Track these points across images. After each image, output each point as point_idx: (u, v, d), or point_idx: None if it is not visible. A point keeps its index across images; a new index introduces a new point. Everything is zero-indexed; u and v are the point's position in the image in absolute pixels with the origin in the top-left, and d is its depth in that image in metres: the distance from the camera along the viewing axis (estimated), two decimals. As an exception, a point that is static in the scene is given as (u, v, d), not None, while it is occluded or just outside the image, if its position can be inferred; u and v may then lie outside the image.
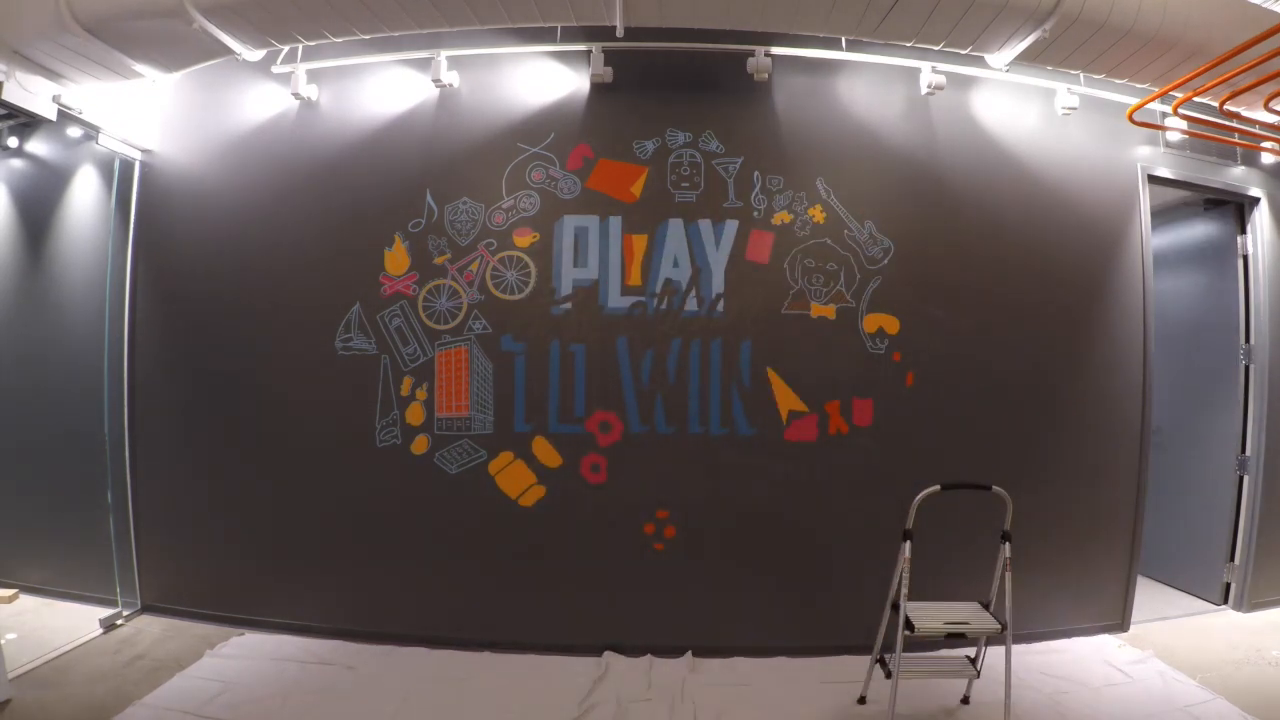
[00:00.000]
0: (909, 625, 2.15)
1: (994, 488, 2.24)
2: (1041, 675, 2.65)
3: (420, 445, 2.87)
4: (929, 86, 2.84)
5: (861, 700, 2.44)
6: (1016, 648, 2.87)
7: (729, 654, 2.76)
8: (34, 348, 3.21)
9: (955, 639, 2.24)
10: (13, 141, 3.27)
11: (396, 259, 2.90)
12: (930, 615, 2.24)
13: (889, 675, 2.25)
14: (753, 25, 2.43)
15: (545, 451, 2.84)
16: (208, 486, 3.00)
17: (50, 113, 2.66)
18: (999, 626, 2.19)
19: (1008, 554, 2.25)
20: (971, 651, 2.45)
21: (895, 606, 2.25)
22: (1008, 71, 2.75)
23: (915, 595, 2.24)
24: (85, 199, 3.17)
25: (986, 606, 2.32)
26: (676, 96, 2.90)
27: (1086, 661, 2.78)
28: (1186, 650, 2.89)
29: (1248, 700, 2.44)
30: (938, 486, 2.16)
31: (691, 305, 2.85)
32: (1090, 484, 3.03)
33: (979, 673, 2.33)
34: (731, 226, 2.87)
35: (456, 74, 2.90)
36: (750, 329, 2.84)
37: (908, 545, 2.20)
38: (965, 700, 2.46)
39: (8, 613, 2.99)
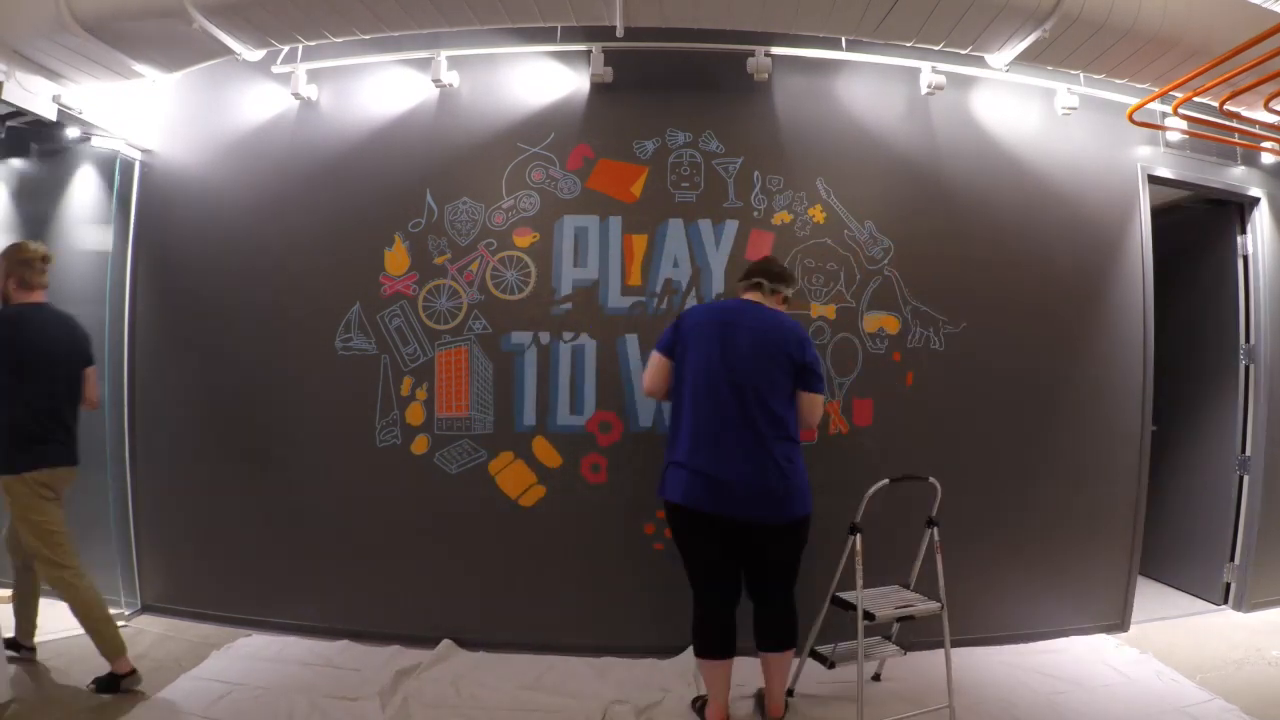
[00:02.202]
0: (869, 615, 2.19)
1: (929, 479, 2.32)
2: (1038, 675, 2.65)
3: (420, 445, 2.87)
4: (929, 86, 2.84)
5: (789, 693, 2.44)
6: (1015, 648, 2.89)
7: (728, 654, 2.76)
8: (34, 348, 3.21)
9: (904, 621, 2.35)
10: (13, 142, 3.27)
11: (396, 259, 2.90)
12: (873, 603, 2.28)
13: (831, 666, 2.29)
14: (753, 25, 2.43)
15: (545, 451, 2.84)
16: (208, 486, 2.99)
17: (50, 113, 2.66)
18: (939, 605, 2.27)
19: (937, 538, 2.32)
20: (886, 632, 2.50)
21: (834, 599, 2.32)
22: (1008, 71, 2.74)
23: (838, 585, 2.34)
24: (85, 199, 3.17)
25: (906, 587, 2.42)
26: (676, 96, 2.90)
27: (1084, 662, 2.78)
28: (1186, 650, 2.89)
29: (1247, 700, 2.44)
30: (886, 480, 2.21)
31: (692, 305, 2.85)
32: (1090, 484, 3.03)
33: (904, 650, 2.42)
34: (731, 226, 2.87)
35: (456, 74, 2.90)
36: (750, 329, 2.84)
37: (858, 538, 2.22)
38: (876, 678, 2.59)
39: (8, 613, 2.99)
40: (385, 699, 2.36)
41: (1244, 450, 3.36)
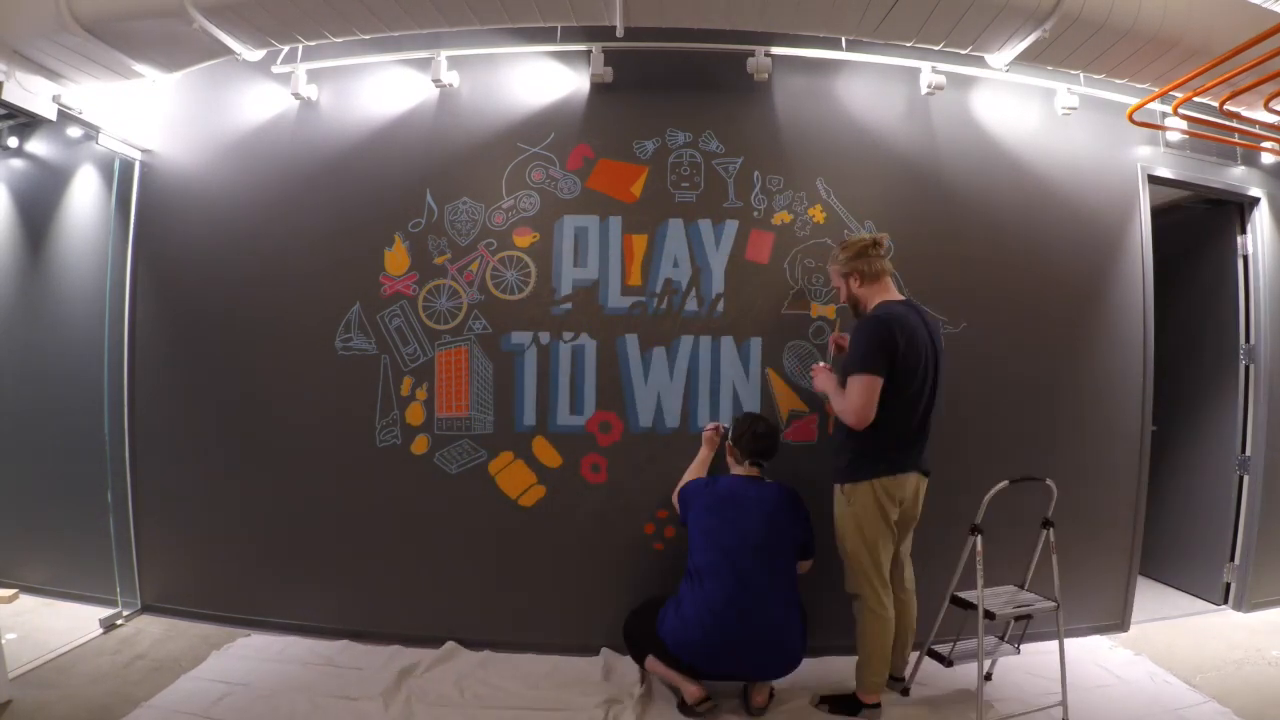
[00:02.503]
0: (989, 614, 2.29)
1: (1046, 480, 2.42)
2: (1030, 676, 2.64)
3: (420, 445, 2.87)
4: (929, 86, 2.84)
5: (905, 692, 2.51)
6: (1008, 649, 2.88)
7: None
8: (34, 348, 3.21)
9: (1020, 620, 2.44)
10: (13, 141, 3.27)
11: (396, 259, 2.90)
12: (992, 603, 2.36)
13: (950, 664, 2.43)
14: (753, 25, 2.42)
15: (545, 451, 2.84)
16: (208, 486, 3.00)
17: (50, 113, 2.66)
18: (1054, 604, 2.36)
19: (1052, 538, 2.42)
20: (1000, 632, 2.58)
21: (954, 599, 2.41)
22: (1008, 71, 2.74)
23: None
24: (85, 199, 3.17)
25: (1022, 587, 2.50)
26: (676, 96, 2.90)
27: (1078, 663, 2.75)
28: (1186, 650, 2.89)
29: (1245, 701, 2.44)
30: (1006, 482, 2.31)
31: (691, 305, 2.85)
32: (1090, 484, 3.02)
33: (1019, 649, 2.49)
34: (731, 226, 2.87)
35: (456, 74, 2.90)
36: (750, 329, 2.84)
37: (979, 539, 2.32)
38: (988, 677, 2.60)
39: (8, 613, 2.99)
40: (389, 698, 2.37)
41: (1244, 450, 3.36)
